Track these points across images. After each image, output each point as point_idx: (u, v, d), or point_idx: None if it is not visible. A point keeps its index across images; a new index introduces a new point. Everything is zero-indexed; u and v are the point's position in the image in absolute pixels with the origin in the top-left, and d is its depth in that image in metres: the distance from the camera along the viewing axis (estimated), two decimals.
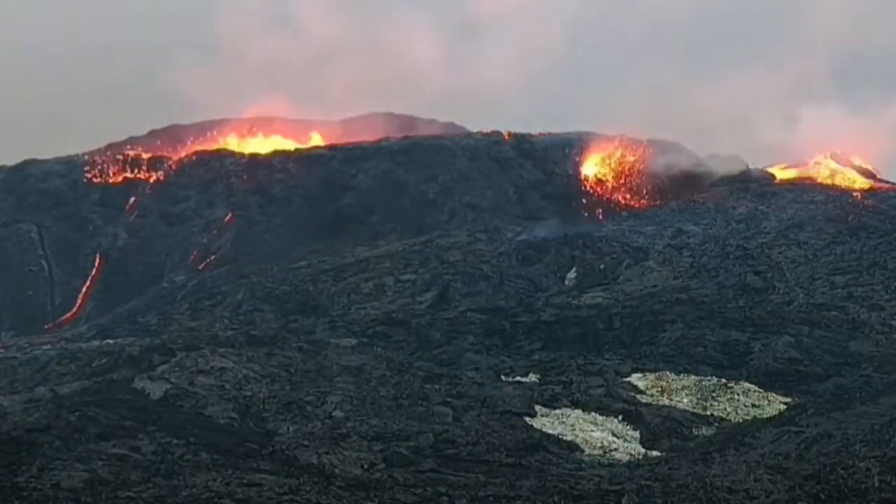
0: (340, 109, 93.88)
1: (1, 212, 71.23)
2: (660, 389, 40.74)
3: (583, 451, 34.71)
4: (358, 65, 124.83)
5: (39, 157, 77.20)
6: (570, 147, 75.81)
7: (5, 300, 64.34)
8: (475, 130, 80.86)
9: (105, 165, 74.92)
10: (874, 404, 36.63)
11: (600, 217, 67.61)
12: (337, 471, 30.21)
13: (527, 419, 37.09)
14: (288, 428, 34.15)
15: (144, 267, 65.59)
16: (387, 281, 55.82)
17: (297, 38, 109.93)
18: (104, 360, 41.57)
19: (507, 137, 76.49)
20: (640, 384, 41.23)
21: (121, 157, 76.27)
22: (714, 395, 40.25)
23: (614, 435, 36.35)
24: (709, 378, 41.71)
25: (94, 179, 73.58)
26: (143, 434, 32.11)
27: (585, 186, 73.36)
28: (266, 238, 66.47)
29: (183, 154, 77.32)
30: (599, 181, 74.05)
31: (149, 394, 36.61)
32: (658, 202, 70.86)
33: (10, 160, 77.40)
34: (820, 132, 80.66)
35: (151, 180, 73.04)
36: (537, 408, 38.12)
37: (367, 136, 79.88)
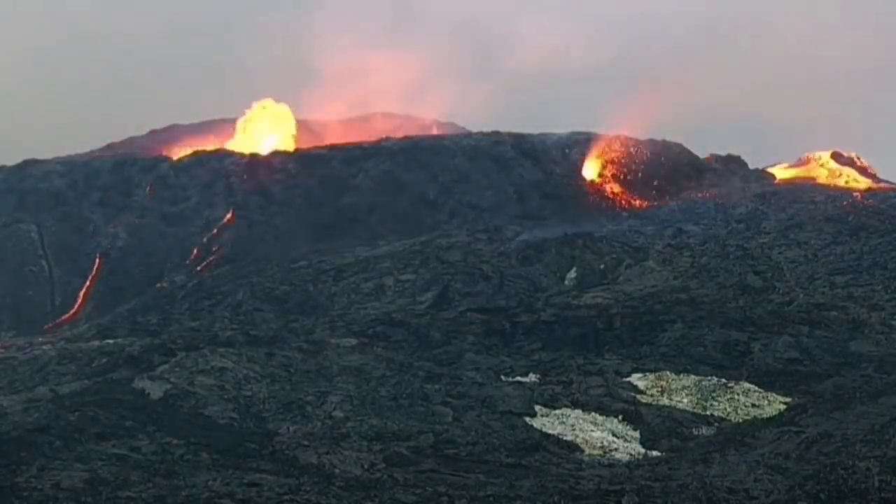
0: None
1: (1, 212, 71.28)
2: (660, 389, 40.70)
3: (583, 451, 34.64)
4: None
5: (39, 157, 77.43)
6: (570, 147, 75.91)
7: (5, 300, 64.34)
8: (475, 130, 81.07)
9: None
10: (874, 404, 36.55)
11: (600, 217, 67.65)
12: (337, 471, 30.19)
13: (527, 419, 37.04)
14: (288, 428, 34.14)
15: (144, 267, 65.58)
16: (387, 281, 55.80)
17: None
18: (104, 360, 41.56)
19: (506, 137, 76.60)
20: (640, 384, 41.17)
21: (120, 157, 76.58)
22: (714, 395, 40.18)
23: (614, 435, 36.29)
24: (709, 378, 41.65)
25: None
26: (143, 434, 32.11)
27: (585, 186, 73.42)
28: (266, 238, 66.52)
29: (183, 154, 77.46)
30: (599, 181, 74.11)
31: (149, 394, 36.58)
32: (658, 202, 70.91)
33: (10, 160, 77.65)
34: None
35: (151, 180, 73.09)
36: (537, 408, 38.06)
37: (367, 136, 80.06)
